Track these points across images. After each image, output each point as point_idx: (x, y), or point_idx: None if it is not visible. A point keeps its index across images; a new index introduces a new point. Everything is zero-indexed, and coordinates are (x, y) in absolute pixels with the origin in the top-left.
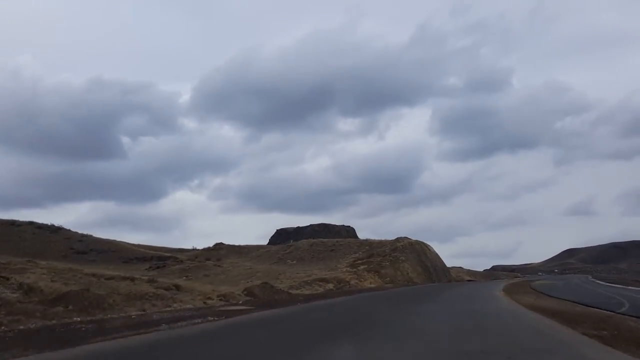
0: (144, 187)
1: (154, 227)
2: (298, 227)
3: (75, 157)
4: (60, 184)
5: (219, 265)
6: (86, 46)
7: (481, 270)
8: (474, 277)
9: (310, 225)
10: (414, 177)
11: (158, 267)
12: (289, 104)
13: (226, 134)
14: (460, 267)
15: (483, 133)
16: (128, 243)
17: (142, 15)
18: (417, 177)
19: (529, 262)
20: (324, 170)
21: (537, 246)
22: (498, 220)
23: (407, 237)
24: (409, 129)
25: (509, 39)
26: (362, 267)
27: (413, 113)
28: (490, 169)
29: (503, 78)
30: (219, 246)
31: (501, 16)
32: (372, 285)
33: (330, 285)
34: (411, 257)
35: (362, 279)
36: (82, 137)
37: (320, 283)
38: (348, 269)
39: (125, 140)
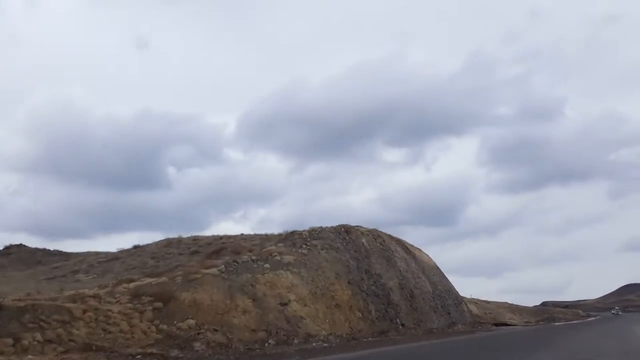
0: (189, 217)
1: None
2: None
3: (122, 188)
4: (108, 214)
5: None
6: (134, 78)
7: (530, 305)
8: (520, 314)
9: None
10: (460, 209)
11: None
12: (333, 133)
13: (271, 165)
14: (504, 302)
15: (534, 164)
16: None
17: (189, 47)
18: (464, 210)
19: (583, 299)
20: (369, 201)
21: (591, 282)
22: (549, 255)
23: (348, 225)
24: (456, 160)
25: (563, 67)
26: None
27: (460, 143)
28: (542, 202)
29: (556, 107)
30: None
31: (555, 43)
32: None
33: None
34: (312, 261)
35: None
36: (129, 168)
37: None
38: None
39: (171, 171)
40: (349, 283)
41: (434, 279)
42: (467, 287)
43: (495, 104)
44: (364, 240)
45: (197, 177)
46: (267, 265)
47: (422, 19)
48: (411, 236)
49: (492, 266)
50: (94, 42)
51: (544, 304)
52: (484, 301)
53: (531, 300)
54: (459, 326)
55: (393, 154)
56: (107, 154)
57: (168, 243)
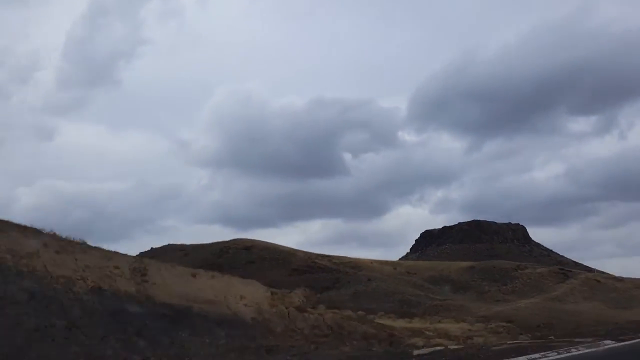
0: (368, 203)
1: (380, 243)
2: (444, 227)
3: (301, 177)
4: (289, 203)
5: None
6: (306, 67)
7: None
8: None
9: (459, 223)
10: None
11: None
12: (510, 106)
13: (445, 145)
14: None
15: None
16: None
17: (355, 32)
18: None
19: None
20: (555, 177)
21: None
22: None
23: None
24: None
25: None
26: None
27: None
28: None
29: None
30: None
31: None
32: None
33: None
34: None
35: None
36: (307, 157)
37: None
38: None
39: (347, 157)
40: None
41: None
42: None
43: None
44: None
45: (372, 162)
46: None
47: None
48: (607, 212)
49: None
50: (264, 37)
51: None
52: (615, 278)
53: None
54: None
55: (580, 123)
56: (285, 145)
57: None
